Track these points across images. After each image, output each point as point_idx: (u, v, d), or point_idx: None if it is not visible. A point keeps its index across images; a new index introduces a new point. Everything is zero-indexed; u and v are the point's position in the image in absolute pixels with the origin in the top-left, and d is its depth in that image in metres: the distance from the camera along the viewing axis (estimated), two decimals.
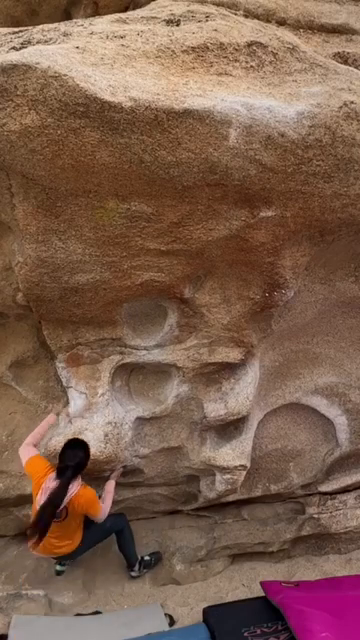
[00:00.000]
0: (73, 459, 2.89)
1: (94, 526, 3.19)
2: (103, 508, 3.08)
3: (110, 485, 3.23)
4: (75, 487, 2.90)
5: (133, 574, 3.57)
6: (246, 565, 3.88)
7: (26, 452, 3.00)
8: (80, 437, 3.01)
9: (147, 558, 3.61)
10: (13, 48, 2.34)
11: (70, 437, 3.02)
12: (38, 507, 2.77)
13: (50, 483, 2.85)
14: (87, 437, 3.10)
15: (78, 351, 3.07)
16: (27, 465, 2.96)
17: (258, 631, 2.87)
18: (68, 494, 2.84)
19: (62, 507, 2.85)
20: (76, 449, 2.93)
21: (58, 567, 3.43)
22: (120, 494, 3.59)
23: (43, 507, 2.73)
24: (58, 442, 3.10)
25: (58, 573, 3.45)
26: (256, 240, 2.74)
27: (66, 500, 2.84)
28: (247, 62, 2.47)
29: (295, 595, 3.12)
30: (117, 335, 3.06)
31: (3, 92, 2.12)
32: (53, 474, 2.90)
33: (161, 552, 3.71)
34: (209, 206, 2.58)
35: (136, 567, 3.55)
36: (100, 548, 3.65)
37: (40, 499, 2.81)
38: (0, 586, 3.43)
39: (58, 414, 3.22)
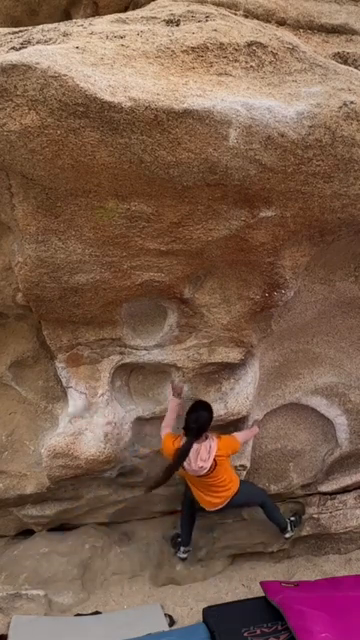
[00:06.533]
0: (196, 421, 3.05)
1: (245, 484, 3.43)
2: (240, 438, 3.28)
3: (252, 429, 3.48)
4: (213, 443, 3.10)
5: (287, 535, 3.73)
6: (246, 565, 3.88)
7: (162, 434, 3.17)
8: (204, 400, 3.18)
9: (293, 518, 3.80)
10: (13, 48, 2.34)
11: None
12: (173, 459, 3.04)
13: (179, 444, 3.07)
14: (87, 437, 3.11)
15: (78, 351, 3.07)
16: (162, 446, 3.15)
17: (258, 631, 2.88)
18: (212, 452, 3.07)
19: (211, 463, 3.09)
20: (199, 411, 3.09)
21: (181, 554, 3.65)
22: (120, 494, 3.59)
23: (169, 465, 3.03)
24: (58, 442, 3.11)
25: (183, 559, 3.70)
26: (256, 240, 2.74)
27: (211, 458, 3.08)
28: (247, 62, 2.47)
29: (295, 595, 3.13)
30: (117, 335, 3.06)
31: (3, 92, 2.12)
32: (182, 439, 3.08)
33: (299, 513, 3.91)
34: (209, 206, 2.58)
35: (288, 528, 3.70)
36: (100, 548, 3.65)
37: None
38: (0, 586, 3.43)
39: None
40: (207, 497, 3.28)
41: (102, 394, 3.12)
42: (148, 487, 3.20)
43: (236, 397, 3.21)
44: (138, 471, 3.45)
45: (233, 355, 3.13)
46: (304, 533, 3.87)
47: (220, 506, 3.32)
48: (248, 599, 3.38)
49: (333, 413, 3.72)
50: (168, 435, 3.13)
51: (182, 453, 3.00)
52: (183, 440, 3.05)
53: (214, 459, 3.10)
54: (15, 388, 3.36)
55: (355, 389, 3.69)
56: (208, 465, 3.07)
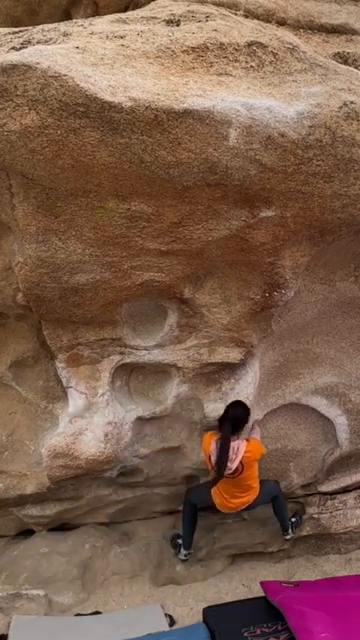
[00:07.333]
0: (232, 415, 3.11)
1: (262, 485, 3.41)
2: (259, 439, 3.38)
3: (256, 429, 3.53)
4: (242, 444, 3.13)
5: (288, 537, 3.76)
6: (246, 565, 3.88)
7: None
8: (240, 400, 3.20)
9: (294, 519, 3.81)
10: (13, 48, 2.34)
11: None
12: (214, 462, 3.09)
13: (215, 442, 3.11)
14: (87, 437, 3.10)
15: (78, 351, 3.07)
16: (202, 444, 3.25)
17: (258, 631, 2.87)
18: (239, 453, 3.10)
19: (237, 464, 3.11)
20: (236, 407, 3.15)
21: (182, 556, 3.64)
22: (120, 494, 3.59)
23: (218, 458, 3.04)
24: (58, 442, 3.11)
25: (183, 561, 3.69)
26: (256, 240, 2.74)
27: (239, 459, 3.09)
28: (247, 62, 2.47)
29: (295, 595, 3.13)
30: (117, 335, 3.06)
31: (3, 92, 2.13)
32: (216, 437, 3.13)
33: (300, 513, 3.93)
34: (209, 206, 2.58)
35: (289, 530, 3.73)
36: (100, 548, 3.65)
37: (213, 458, 3.10)
38: (0, 586, 3.43)
39: None
40: (223, 500, 3.29)
41: (102, 394, 3.12)
42: (208, 486, 3.25)
43: (236, 397, 3.21)
44: (138, 471, 3.45)
45: (233, 355, 3.13)
46: (304, 533, 3.87)
47: (232, 511, 3.37)
48: (248, 599, 3.38)
49: (333, 413, 3.72)
50: (210, 433, 3.20)
51: (222, 445, 3.03)
52: (217, 437, 3.10)
53: (241, 461, 3.10)
54: (15, 388, 3.36)
55: (355, 389, 3.69)
56: (233, 466, 3.08)
